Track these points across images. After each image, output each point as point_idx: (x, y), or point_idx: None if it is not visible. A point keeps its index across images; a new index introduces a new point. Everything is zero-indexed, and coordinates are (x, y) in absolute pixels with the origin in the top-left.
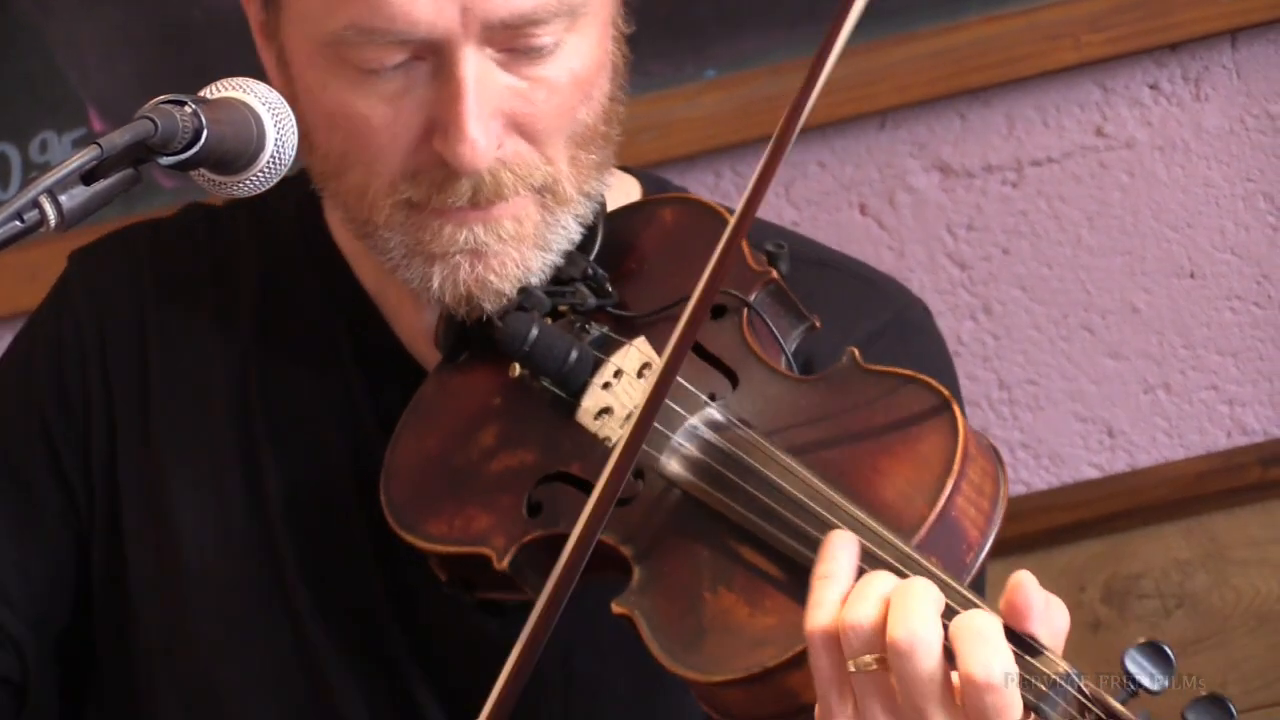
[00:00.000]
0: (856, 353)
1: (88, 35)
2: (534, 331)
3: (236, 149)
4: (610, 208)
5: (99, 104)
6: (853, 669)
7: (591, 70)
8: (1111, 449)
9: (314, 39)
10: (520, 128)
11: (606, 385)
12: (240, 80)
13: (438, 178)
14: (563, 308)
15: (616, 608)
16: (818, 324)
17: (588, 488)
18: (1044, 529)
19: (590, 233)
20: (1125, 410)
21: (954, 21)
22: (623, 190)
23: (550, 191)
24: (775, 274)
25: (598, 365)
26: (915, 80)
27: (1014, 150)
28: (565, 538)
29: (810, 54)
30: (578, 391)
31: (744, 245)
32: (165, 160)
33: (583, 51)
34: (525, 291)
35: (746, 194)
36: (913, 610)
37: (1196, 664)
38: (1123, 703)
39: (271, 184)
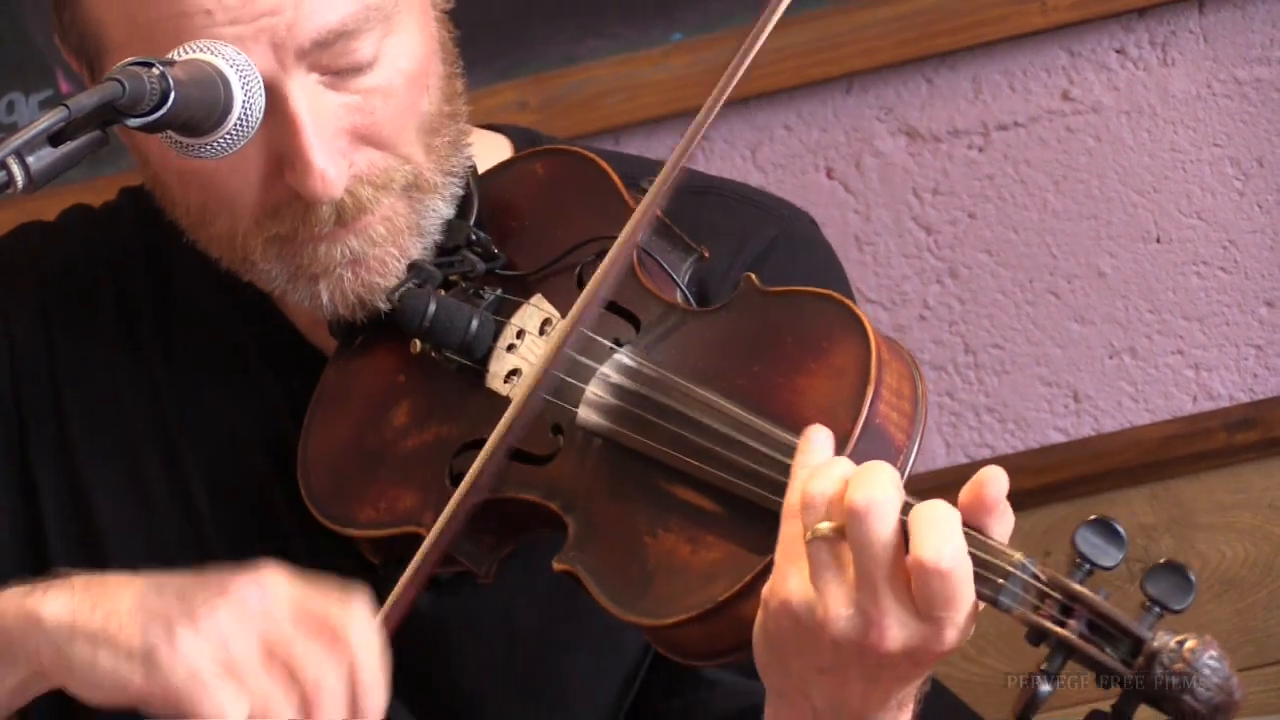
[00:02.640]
0: (753, 277)
1: None
2: (431, 306)
3: (204, 111)
4: (483, 169)
5: (66, 66)
6: (809, 536)
7: (421, 63)
8: (1077, 413)
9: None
10: (367, 139)
11: (511, 347)
12: (208, 42)
13: (299, 209)
14: (454, 277)
15: (558, 565)
16: (706, 254)
17: (508, 451)
18: (1009, 493)
19: (466, 198)
20: (1091, 375)
21: None
22: (494, 149)
23: (415, 186)
24: (659, 211)
25: (499, 329)
26: (882, 44)
27: (980, 114)
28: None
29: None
30: (484, 358)
31: (620, 187)
32: (133, 122)
33: (407, 49)
34: (415, 267)
35: (668, 165)
36: (872, 479)
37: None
38: (1080, 583)
39: (239, 146)
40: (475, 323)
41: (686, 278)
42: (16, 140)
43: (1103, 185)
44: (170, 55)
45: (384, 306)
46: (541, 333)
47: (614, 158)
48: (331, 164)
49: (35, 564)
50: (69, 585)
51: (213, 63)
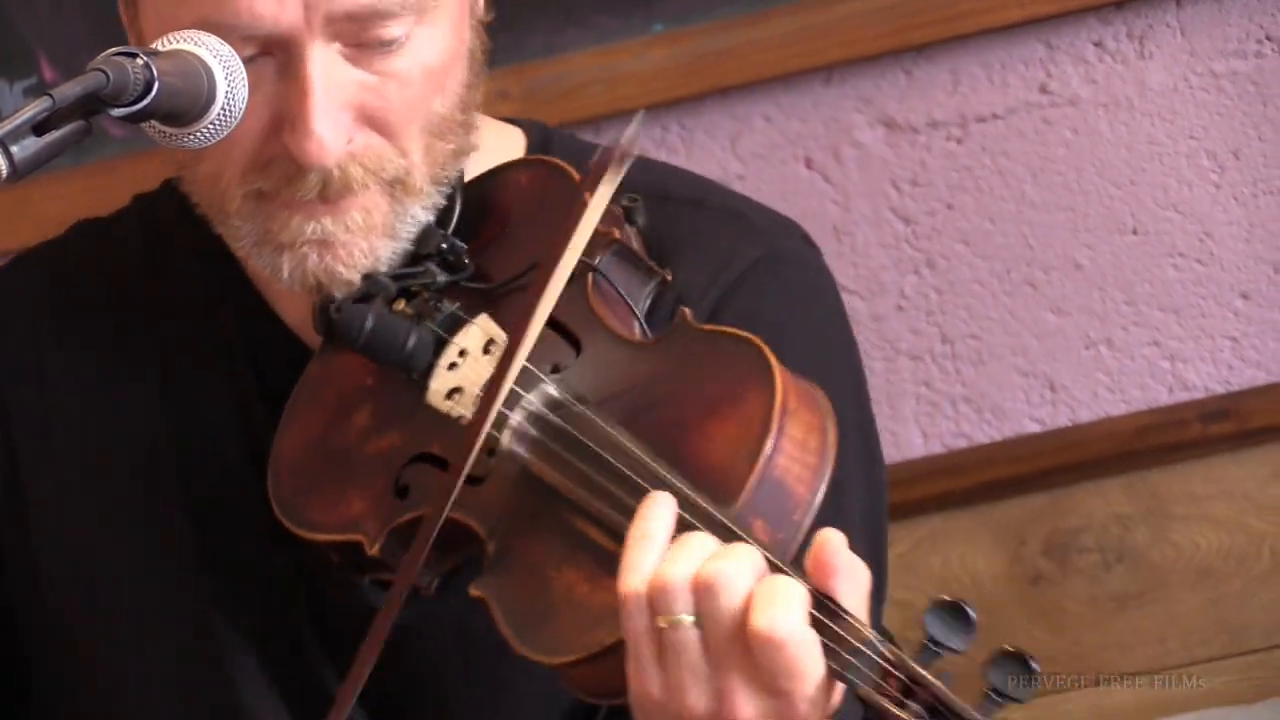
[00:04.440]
0: (688, 313)
1: None
2: (368, 323)
3: (188, 101)
4: (492, 164)
5: (50, 54)
6: (663, 624)
7: (445, 62)
8: (1053, 403)
9: (166, 35)
10: (372, 121)
11: (453, 365)
12: (192, 32)
13: (288, 170)
14: (415, 288)
15: (473, 591)
16: (668, 278)
17: (447, 467)
18: (985, 483)
19: (449, 206)
20: (1067, 365)
21: None
22: (509, 143)
23: (401, 184)
24: (618, 234)
25: (440, 347)
26: (861, 35)
27: (959, 106)
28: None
29: (754, 9)
30: (424, 374)
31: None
32: (117, 112)
33: (435, 44)
34: (369, 278)
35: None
36: (724, 555)
37: (1136, 619)
38: (927, 664)
39: (222, 136)
40: (412, 340)
41: (647, 303)
42: (0, 130)
43: (1080, 177)
44: (154, 45)
45: (339, 295)
46: (485, 352)
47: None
48: (331, 131)
49: (12, 548)
50: None
51: (197, 54)
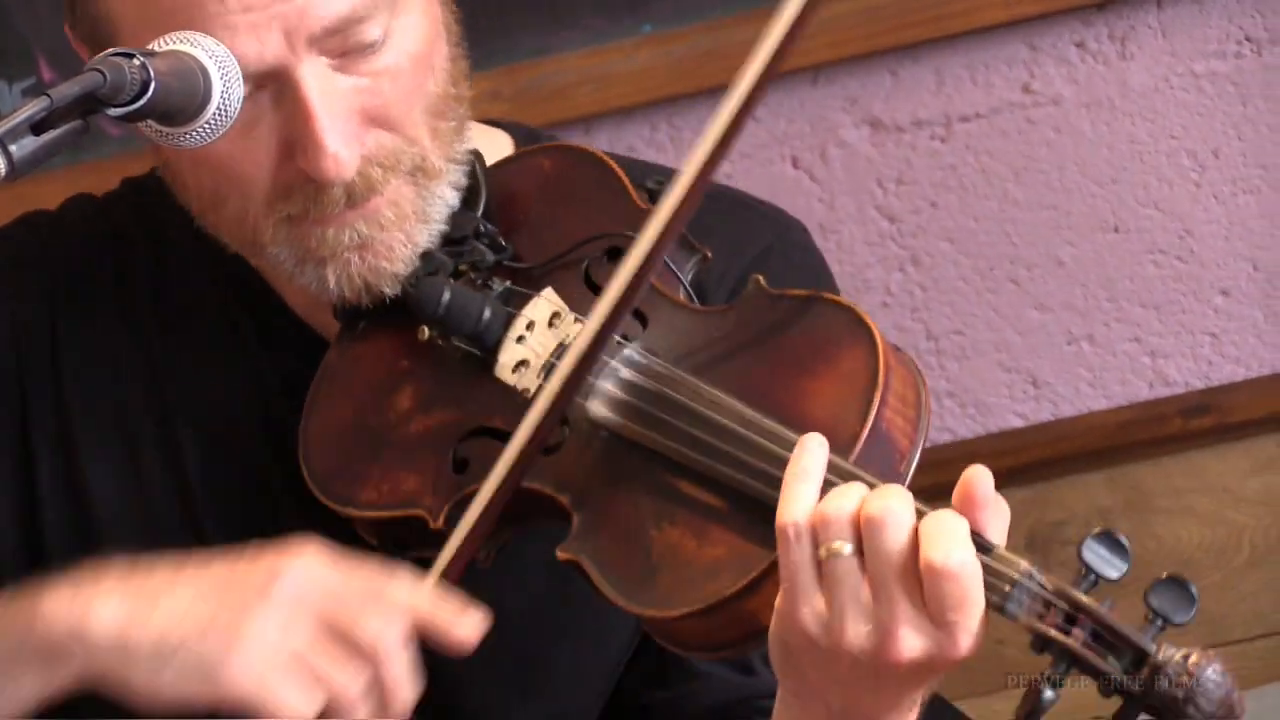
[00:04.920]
0: (761, 279)
1: None
2: (446, 294)
3: (183, 101)
4: (489, 162)
5: (49, 54)
6: (824, 555)
7: (427, 44)
8: (1036, 399)
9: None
10: (376, 120)
11: (520, 339)
12: (188, 33)
13: (310, 191)
14: (463, 267)
15: (562, 554)
16: (709, 255)
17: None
18: None
19: (474, 190)
20: (1049, 361)
21: None
22: (495, 145)
23: (420, 170)
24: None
25: (510, 320)
26: (847, 36)
27: (943, 106)
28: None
29: (750, 9)
30: (494, 348)
31: (629, 186)
32: (114, 111)
33: (413, 31)
34: (428, 255)
35: (694, 163)
36: (887, 494)
37: (1118, 609)
38: (1085, 593)
39: (218, 135)
40: (488, 313)
41: (690, 277)
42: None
43: (1062, 176)
44: (150, 46)
45: (390, 292)
46: (551, 325)
47: (613, 158)
48: (344, 145)
49: (31, 545)
50: (108, 586)
51: (192, 54)
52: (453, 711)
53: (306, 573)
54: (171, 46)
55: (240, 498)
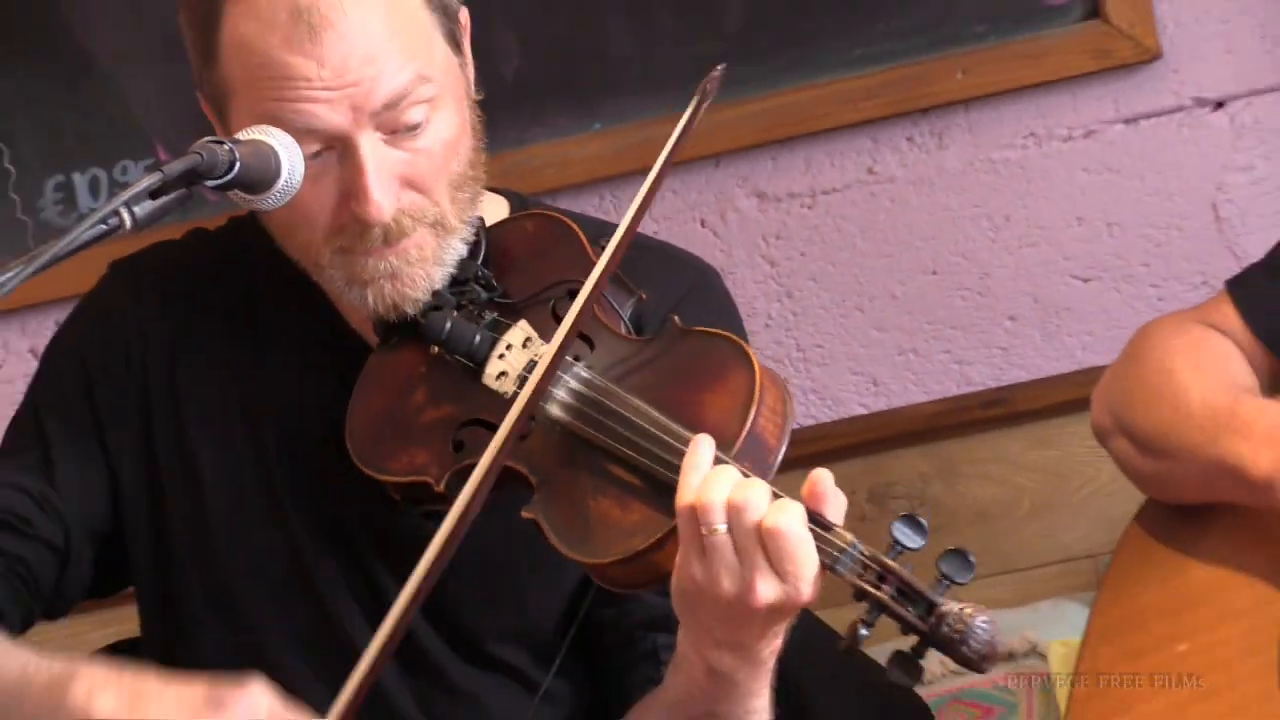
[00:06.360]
0: (677, 319)
1: (154, 85)
2: (448, 325)
3: (261, 176)
4: (489, 222)
5: (163, 139)
6: (704, 532)
7: (456, 135)
8: (875, 394)
9: (246, 127)
10: (411, 184)
11: (501, 355)
12: (265, 126)
13: (357, 229)
14: (464, 302)
15: (525, 513)
16: (644, 296)
17: (495, 429)
18: (825, 450)
19: (477, 244)
20: (886, 367)
21: (769, 92)
22: (496, 207)
23: (440, 225)
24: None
25: (494, 343)
26: (741, 132)
27: (810, 183)
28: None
29: (673, 113)
30: (482, 362)
31: (585, 244)
32: (210, 183)
33: (446, 123)
34: (438, 294)
35: (620, 229)
36: (749, 486)
37: (934, 548)
38: (893, 559)
39: (285, 201)
40: (478, 338)
41: (629, 314)
42: (126, 194)
43: (895, 233)
44: (237, 135)
45: (411, 311)
46: (524, 346)
47: (581, 219)
48: (385, 197)
49: (157, 519)
50: (105, 680)
51: (268, 142)
52: (450, 623)
53: (261, 699)
54: (252, 136)
55: (305, 469)
